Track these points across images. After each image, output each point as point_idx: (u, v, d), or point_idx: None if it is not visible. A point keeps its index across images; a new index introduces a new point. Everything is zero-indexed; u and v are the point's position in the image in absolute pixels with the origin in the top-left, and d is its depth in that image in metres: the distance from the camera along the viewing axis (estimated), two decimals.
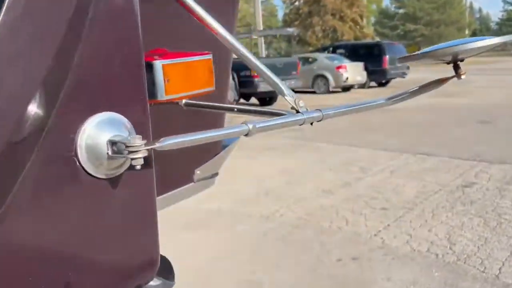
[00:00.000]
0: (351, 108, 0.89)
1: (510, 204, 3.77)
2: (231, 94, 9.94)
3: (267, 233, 3.32)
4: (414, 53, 0.93)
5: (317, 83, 15.45)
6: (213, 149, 1.31)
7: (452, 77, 0.96)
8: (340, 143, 6.79)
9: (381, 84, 17.48)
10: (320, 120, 0.82)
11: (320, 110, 0.82)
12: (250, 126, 0.70)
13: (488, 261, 2.76)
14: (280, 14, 45.07)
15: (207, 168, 1.30)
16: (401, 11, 49.35)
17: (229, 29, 1.27)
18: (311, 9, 27.61)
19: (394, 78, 17.41)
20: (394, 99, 0.94)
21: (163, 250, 2.92)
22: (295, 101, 0.81)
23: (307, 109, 0.81)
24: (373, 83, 17.23)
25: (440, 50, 0.86)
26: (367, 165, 5.36)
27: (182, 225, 3.56)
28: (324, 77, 15.27)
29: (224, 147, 1.37)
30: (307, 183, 4.69)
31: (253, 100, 12.36)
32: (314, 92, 15.41)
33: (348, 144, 6.69)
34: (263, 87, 10.67)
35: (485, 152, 5.76)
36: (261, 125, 0.71)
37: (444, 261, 2.78)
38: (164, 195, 1.17)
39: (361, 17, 29.00)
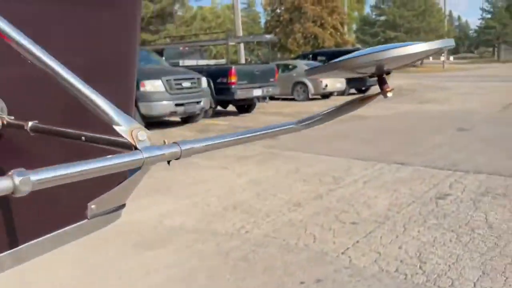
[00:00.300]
0: (237, 137, 0.69)
1: (483, 217, 3.64)
2: (207, 101, 9.74)
3: (229, 253, 3.12)
4: (324, 64, 0.75)
5: (297, 90, 15.35)
6: (114, 178, 1.09)
7: (376, 95, 0.79)
8: (316, 152, 6.64)
9: (360, 91, 17.48)
10: (178, 158, 0.60)
11: (177, 144, 0.60)
12: (17, 180, 0.42)
13: (459, 281, 2.60)
14: (263, 21, 45.04)
15: (105, 201, 1.08)
16: (382, 18, 49.86)
17: (132, 39, 1.08)
18: (292, 16, 27.59)
19: (373, 85, 17.40)
20: (305, 123, 0.76)
21: (115, 270, 2.62)
22: (131, 133, 0.58)
23: (165, 142, 0.60)
24: (353, 90, 17.23)
25: (357, 59, 0.68)
26: (341, 175, 5.20)
27: (139, 243, 3.34)
28: (303, 84, 15.18)
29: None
30: (278, 195, 4.50)
31: (231, 107, 12.18)
32: (294, 99, 15.32)
33: (324, 153, 6.54)
34: (240, 94, 10.49)
35: (462, 161, 5.67)
36: (43, 176, 0.46)
37: (413, 282, 2.62)
38: (46, 236, 0.97)
39: (342, 24, 29.10)
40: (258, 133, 0.71)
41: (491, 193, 4.29)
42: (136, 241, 3.38)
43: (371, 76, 0.78)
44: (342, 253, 3.07)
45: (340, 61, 0.70)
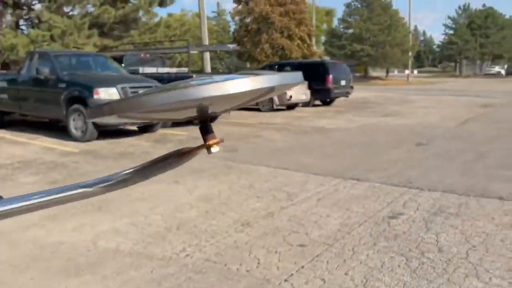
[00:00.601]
0: None
1: (434, 239, 3.52)
2: None
3: (162, 282, 2.86)
4: (105, 104, 0.54)
5: (262, 101, 15.20)
6: None
7: (198, 148, 0.58)
8: (273, 166, 6.45)
9: (325, 103, 17.54)
10: None
11: None
12: None
13: None
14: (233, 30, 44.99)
15: None
16: (349, 31, 50.75)
17: None
18: (260, 26, 27.59)
19: (338, 97, 17.50)
20: (107, 184, 0.55)
21: None
22: None
23: None
24: (318, 102, 17.27)
25: (155, 97, 0.47)
26: (295, 191, 5.03)
27: (65, 268, 3.03)
28: None
29: None
30: (227, 214, 4.27)
31: None
32: (259, 110, 15.16)
33: (282, 167, 6.36)
34: None
35: (417, 177, 5.60)
36: None
37: None
38: None
39: (309, 36, 29.31)
40: (26, 202, 0.49)
41: (444, 212, 4.20)
42: (62, 266, 3.07)
43: (189, 122, 0.57)
44: (285, 280, 2.87)
45: (130, 99, 0.49)
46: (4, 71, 13.81)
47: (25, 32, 17.30)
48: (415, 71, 62.56)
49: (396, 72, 60.16)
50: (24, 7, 17.76)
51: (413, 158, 6.98)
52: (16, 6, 16.20)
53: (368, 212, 4.23)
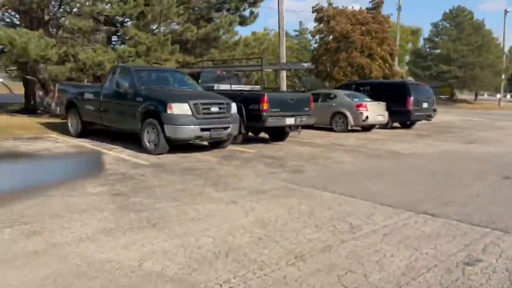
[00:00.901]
0: None
1: None
2: (235, 127, 9.40)
3: None
4: None
5: (336, 121, 14.77)
6: None
7: None
8: (339, 192, 6.07)
9: (405, 126, 16.64)
10: None
11: None
12: None
13: None
14: None
15: None
16: (436, 51, 48.43)
17: None
18: (339, 45, 27.11)
19: (419, 120, 16.53)
20: None
21: None
22: None
23: None
24: (397, 124, 16.43)
25: None
26: (359, 223, 4.64)
27: None
28: (342, 114, 14.58)
29: None
30: (281, 243, 4.01)
31: (262, 134, 11.80)
32: (332, 130, 14.74)
33: (348, 194, 5.97)
34: (271, 122, 10.09)
35: (502, 216, 4.94)
36: None
37: None
38: None
39: (391, 55, 28.24)
40: None
41: None
42: (103, 287, 2.99)
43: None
44: None
45: None
46: (89, 84, 14.77)
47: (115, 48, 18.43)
48: (508, 95, 57.97)
49: (486, 96, 56.17)
50: (117, 24, 18.96)
51: (499, 193, 6.23)
52: (108, 23, 17.33)
53: (440, 255, 3.74)
